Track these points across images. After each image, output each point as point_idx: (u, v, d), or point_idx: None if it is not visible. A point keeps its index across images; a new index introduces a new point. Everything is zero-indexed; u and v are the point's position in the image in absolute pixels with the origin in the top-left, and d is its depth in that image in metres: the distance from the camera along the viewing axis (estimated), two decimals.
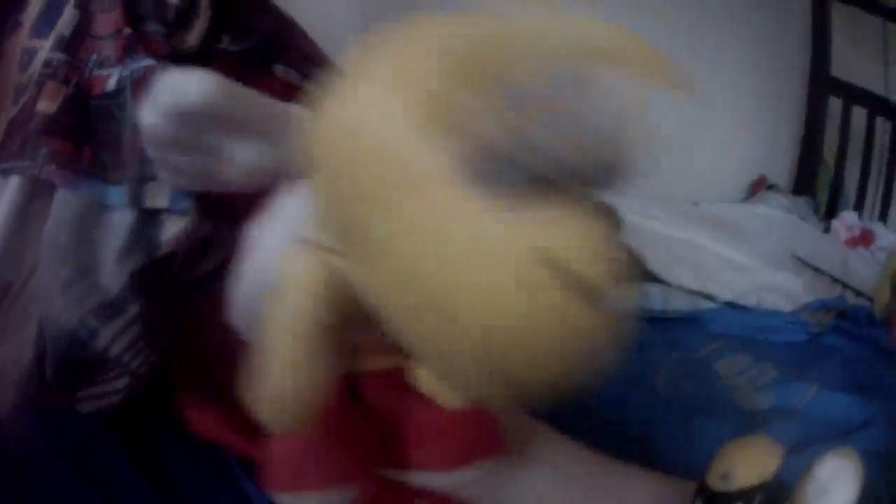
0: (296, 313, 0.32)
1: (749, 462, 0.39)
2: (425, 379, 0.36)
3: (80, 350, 0.54)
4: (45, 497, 0.50)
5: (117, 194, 0.59)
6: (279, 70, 0.72)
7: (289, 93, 0.71)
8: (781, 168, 1.28)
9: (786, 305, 0.93)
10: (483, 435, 0.37)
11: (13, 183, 0.56)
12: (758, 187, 1.21)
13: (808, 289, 0.99)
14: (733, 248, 0.96)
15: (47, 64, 0.59)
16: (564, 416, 0.64)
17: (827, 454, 0.36)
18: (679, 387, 0.71)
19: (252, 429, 0.44)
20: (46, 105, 0.57)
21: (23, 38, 0.61)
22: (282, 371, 0.32)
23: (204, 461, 0.54)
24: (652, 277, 0.82)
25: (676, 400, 0.70)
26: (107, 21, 0.62)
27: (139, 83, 0.60)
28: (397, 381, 0.38)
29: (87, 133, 0.59)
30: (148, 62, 0.61)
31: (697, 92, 0.94)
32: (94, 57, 0.61)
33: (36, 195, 0.57)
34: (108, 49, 0.62)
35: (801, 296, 0.97)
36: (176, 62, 0.62)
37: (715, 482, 0.37)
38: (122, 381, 0.56)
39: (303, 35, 0.78)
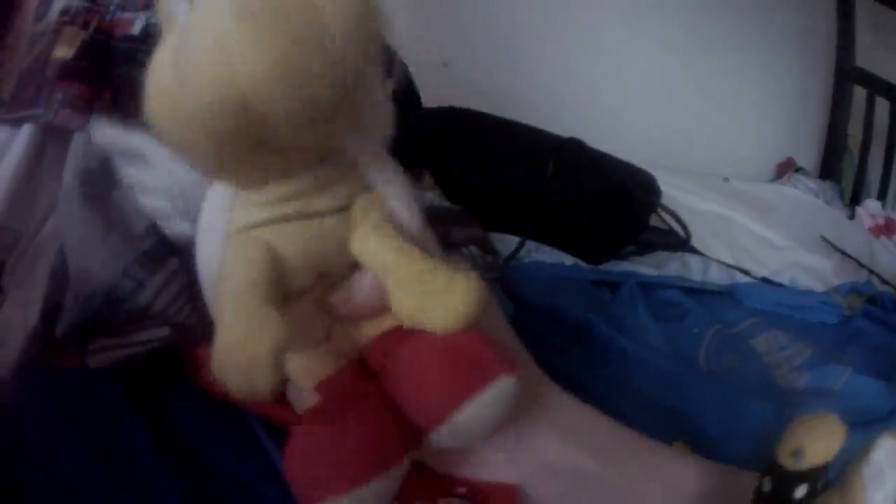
0: (237, 282, 0.31)
1: (819, 439, 0.37)
2: (405, 307, 0.33)
3: (122, 303, 0.52)
4: (51, 459, 0.47)
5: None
6: None
7: None
8: (808, 153, 1.28)
9: (817, 286, 0.92)
10: (483, 355, 0.34)
11: (24, 131, 0.54)
12: (785, 169, 1.19)
13: (837, 271, 0.97)
14: (765, 225, 0.94)
15: (65, 11, 0.57)
16: (601, 385, 0.62)
17: (882, 436, 0.35)
18: (720, 361, 0.69)
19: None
20: (63, 51, 0.55)
21: None
22: (231, 333, 0.30)
23: (220, 421, 0.49)
24: (691, 248, 0.79)
25: (717, 374, 0.67)
26: None
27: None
28: (396, 338, 0.35)
29: (106, 76, 0.57)
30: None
31: (729, 73, 0.93)
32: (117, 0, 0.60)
33: (49, 142, 0.55)
34: None
35: (831, 278, 0.95)
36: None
37: (786, 459, 0.35)
38: (161, 332, 0.53)
39: None
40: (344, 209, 0.33)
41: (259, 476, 0.46)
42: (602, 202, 0.71)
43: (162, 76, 0.29)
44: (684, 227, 0.81)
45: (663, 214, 0.81)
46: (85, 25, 0.57)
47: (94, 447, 0.46)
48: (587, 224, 0.71)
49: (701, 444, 0.61)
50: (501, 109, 0.83)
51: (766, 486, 0.30)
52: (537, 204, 0.69)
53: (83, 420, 0.46)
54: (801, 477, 0.35)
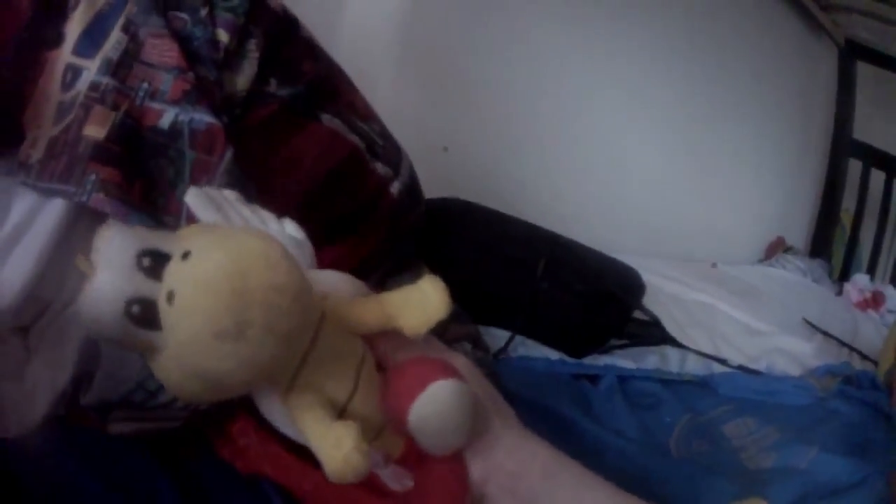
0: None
1: None
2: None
3: (132, 404, 0.56)
4: None
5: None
6: (326, 118, 0.71)
7: (334, 143, 0.74)
8: (799, 230, 1.33)
9: (795, 370, 0.99)
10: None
11: (56, 205, 0.54)
12: (775, 249, 1.26)
13: (817, 353, 1.04)
14: (748, 312, 1.01)
15: (94, 87, 0.57)
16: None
17: None
18: (689, 447, 0.77)
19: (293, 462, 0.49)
20: (95, 130, 0.56)
21: (66, 53, 0.58)
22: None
23: (241, 488, 0.54)
24: (670, 341, 0.87)
25: (687, 460, 0.75)
26: (159, 49, 0.61)
27: (199, 137, 0.61)
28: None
29: (138, 166, 0.57)
30: (210, 120, 0.61)
31: (726, 151, 1.00)
32: (145, 86, 0.60)
33: (81, 217, 0.56)
34: (163, 81, 0.60)
35: (810, 360, 1.02)
36: (226, 106, 0.64)
37: None
38: (177, 417, 0.58)
39: (349, 84, 0.76)
40: None
41: None
42: (589, 303, 0.79)
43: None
44: (663, 332, 0.89)
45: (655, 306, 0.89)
46: (115, 107, 0.57)
47: (119, 499, 0.49)
48: (573, 322, 0.79)
49: None
50: (500, 193, 0.90)
51: None
52: (527, 300, 0.77)
53: (109, 474, 0.49)
54: None
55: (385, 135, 0.79)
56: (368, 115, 0.78)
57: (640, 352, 0.85)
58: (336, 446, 0.37)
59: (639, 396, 0.80)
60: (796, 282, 1.12)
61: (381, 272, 0.78)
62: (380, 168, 0.75)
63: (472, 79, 1.12)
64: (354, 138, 0.74)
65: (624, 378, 0.79)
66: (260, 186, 0.66)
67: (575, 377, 0.78)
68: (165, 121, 0.60)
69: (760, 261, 1.21)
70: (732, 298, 0.99)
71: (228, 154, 0.63)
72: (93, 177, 0.54)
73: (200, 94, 0.61)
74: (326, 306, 0.38)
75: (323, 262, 0.66)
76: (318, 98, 0.71)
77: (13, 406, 0.55)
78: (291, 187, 0.68)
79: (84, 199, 0.53)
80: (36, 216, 0.55)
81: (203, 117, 0.61)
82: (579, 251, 0.83)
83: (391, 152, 0.78)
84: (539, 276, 0.79)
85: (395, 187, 0.76)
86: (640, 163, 1.22)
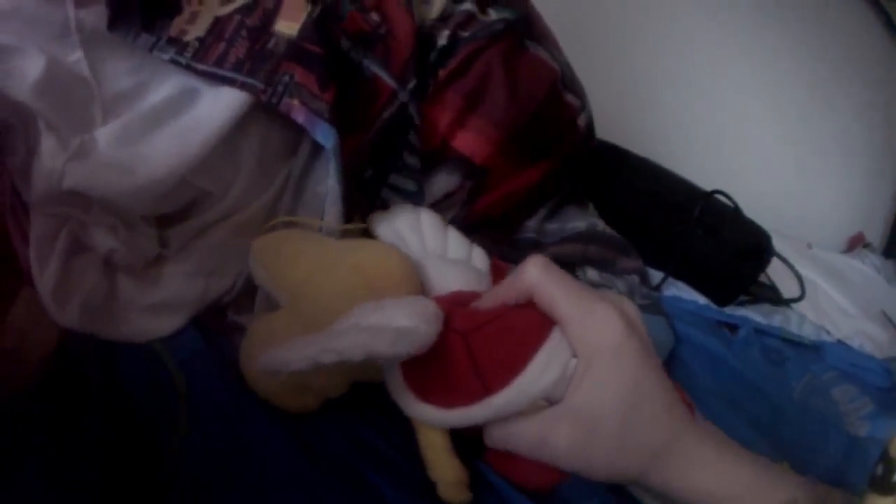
0: None
1: None
2: None
3: None
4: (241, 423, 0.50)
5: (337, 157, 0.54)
6: (531, 45, 0.72)
7: (542, 71, 0.75)
8: (876, 227, 1.39)
9: (876, 354, 1.04)
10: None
11: (231, 95, 0.51)
12: (856, 243, 1.31)
13: (892, 343, 1.10)
14: (840, 293, 1.06)
15: None
16: (721, 405, 0.75)
17: None
18: (808, 403, 0.81)
19: None
20: (287, 26, 0.53)
21: None
22: None
23: None
24: (785, 304, 0.92)
25: (806, 413, 0.80)
26: None
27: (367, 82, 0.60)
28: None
29: (333, 71, 0.54)
30: (377, 71, 0.60)
31: (821, 142, 1.05)
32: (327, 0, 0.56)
33: (256, 119, 0.54)
34: (343, 4, 0.59)
35: (887, 349, 1.08)
36: (420, 30, 0.65)
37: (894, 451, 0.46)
38: None
39: (537, 12, 0.77)
40: None
41: None
42: (738, 252, 0.83)
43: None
44: (802, 287, 0.94)
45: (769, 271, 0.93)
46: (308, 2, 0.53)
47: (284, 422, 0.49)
48: (721, 269, 0.83)
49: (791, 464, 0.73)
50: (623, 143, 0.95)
51: (879, 470, 0.35)
52: (682, 245, 0.81)
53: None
54: None
55: (570, 65, 0.81)
56: (555, 42, 0.80)
57: (766, 310, 0.89)
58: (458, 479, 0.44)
59: (768, 351, 0.85)
60: (874, 277, 1.17)
61: (554, 202, 0.80)
62: (571, 98, 0.77)
63: (604, 39, 1.17)
64: (556, 66, 0.75)
65: (757, 331, 0.84)
66: (463, 116, 0.67)
67: (717, 323, 0.82)
68: (343, 45, 0.58)
69: (841, 252, 1.25)
70: (828, 278, 1.03)
71: (387, 114, 0.62)
72: (286, 78, 0.51)
73: (376, 41, 0.60)
74: None
75: (514, 185, 0.68)
76: (524, 25, 0.72)
77: (131, 310, 0.53)
78: (500, 115, 0.69)
79: (274, 101, 0.51)
80: (196, 100, 0.52)
81: (372, 66, 0.61)
82: (723, 204, 0.88)
83: (577, 84, 0.80)
84: (694, 223, 0.83)
85: (581, 119, 0.78)
86: (749, 139, 1.27)
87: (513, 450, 0.43)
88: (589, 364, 0.41)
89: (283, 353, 0.38)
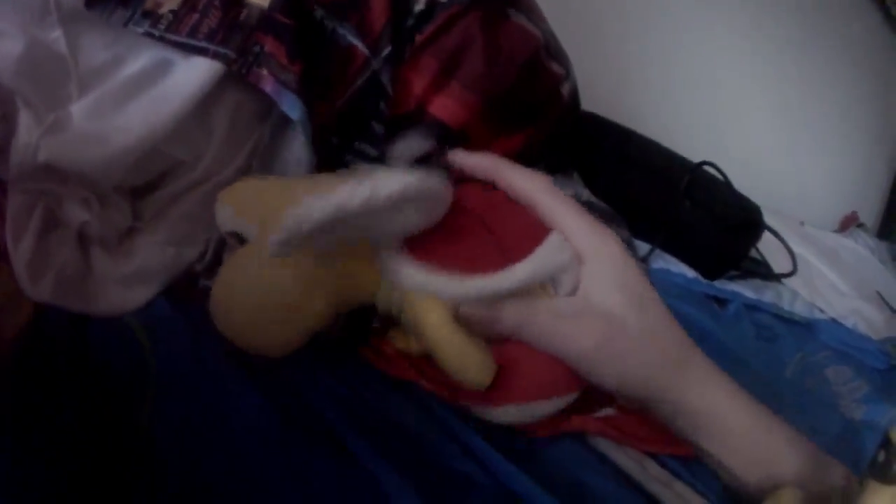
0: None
1: None
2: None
3: None
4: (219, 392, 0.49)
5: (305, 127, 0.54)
6: (512, 13, 0.69)
7: (524, 38, 0.73)
8: (870, 207, 1.38)
9: (871, 335, 1.02)
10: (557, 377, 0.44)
11: (202, 65, 0.51)
12: (849, 222, 1.29)
13: (887, 324, 1.08)
14: (833, 271, 1.04)
15: None
16: None
17: None
18: (801, 382, 0.79)
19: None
20: None
21: None
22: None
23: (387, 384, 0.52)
24: (778, 279, 0.89)
25: (800, 391, 0.77)
26: None
27: (339, 50, 0.58)
28: None
29: (300, 47, 0.54)
30: (353, 41, 0.58)
31: (815, 119, 1.03)
32: None
33: (228, 88, 0.53)
34: None
35: (882, 330, 1.05)
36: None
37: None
38: None
39: None
40: None
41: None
42: (727, 225, 0.81)
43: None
44: (794, 260, 0.91)
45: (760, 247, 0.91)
46: None
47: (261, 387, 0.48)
48: (711, 242, 0.81)
49: None
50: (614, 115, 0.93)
51: (881, 457, 0.34)
52: (668, 216, 0.78)
53: (251, 367, 0.48)
54: None
55: (554, 35, 0.79)
56: (540, 13, 0.78)
57: (757, 286, 0.87)
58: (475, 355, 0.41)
59: (758, 328, 0.82)
60: (867, 258, 1.15)
61: (538, 171, 0.77)
62: (555, 67, 0.75)
63: (596, 12, 1.15)
64: (539, 34, 0.73)
65: (748, 306, 0.81)
66: (441, 81, 0.65)
67: (706, 297, 0.80)
68: (317, 14, 0.58)
69: (834, 231, 1.23)
70: (821, 257, 1.01)
71: (359, 81, 0.60)
72: (257, 48, 0.51)
73: (351, 9, 0.59)
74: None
75: (495, 152, 0.66)
76: None
77: (105, 283, 0.53)
78: (478, 80, 0.66)
79: (244, 70, 0.51)
80: (169, 70, 0.52)
81: (346, 34, 0.59)
82: (711, 176, 0.85)
83: (562, 54, 0.78)
84: (681, 194, 0.80)
85: (565, 88, 0.76)
86: (744, 114, 1.25)
87: (525, 338, 0.42)
88: (598, 266, 0.41)
89: (296, 212, 0.35)
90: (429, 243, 0.42)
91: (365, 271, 0.43)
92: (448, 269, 0.41)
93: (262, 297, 0.42)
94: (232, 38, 0.51)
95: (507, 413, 0.44)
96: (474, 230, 0.43)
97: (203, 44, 0.51)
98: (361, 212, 0.36)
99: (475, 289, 0.40)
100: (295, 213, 0.35)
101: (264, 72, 0.51)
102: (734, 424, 0.41)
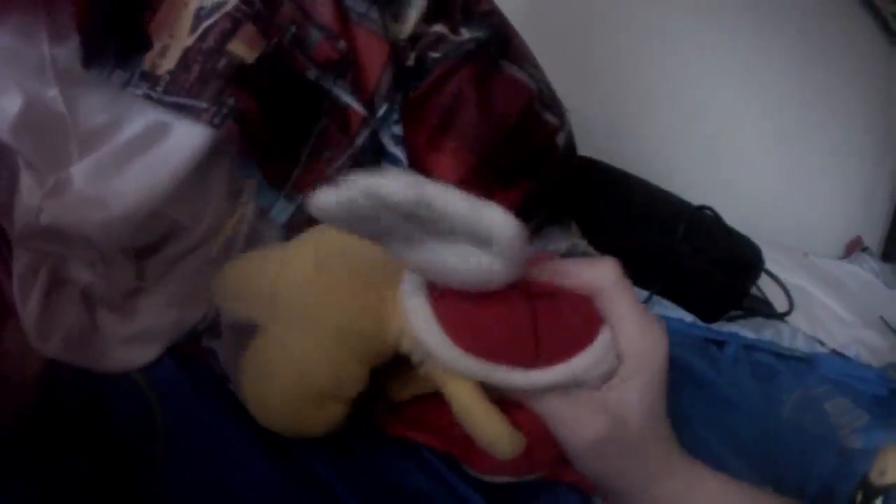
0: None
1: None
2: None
3: None
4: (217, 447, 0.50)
5: (282, 209, 0.57)
6: (505, 65, 0.69)
7: (517, 90, 0.74)
8: (874, 231, 1.38)
9: (874, 362, 1.02)
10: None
11: (200, 132, 0.51)
12: (853, 247, 1.29)
13: (891, 350, 1.08)
14: (836, 301, 1.05)
15: (248, 2, 0.52)
16: (702, 426, 0.74)
17: None
18: (800, 419, 0.80)
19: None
20: (244, 50, 0.52)
21: None
22: None
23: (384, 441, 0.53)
24: (778, 318, 0.90)
25: (797, 430, 0.78)
26: None
27: (336, 111, 0.59)
28: None
29: (275, 110, 0.54)
30: (349, 102, 0.59)
31: (816, 144, 1.03)
32: (293, 30, 0.56)
33: (223, 153, 0.54)
34: (310, 35, 0.57)
35: (886, 355, 1.06)
36: (394, 52, 0.63)
37: (874, 477, 0.46)
38: None
39: (515, 31, 0.74)
40: None
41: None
42: (726, 268, 0.82)
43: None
44: (790, 300, 0.92)
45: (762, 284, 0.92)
46: (266, 36, 0.53)
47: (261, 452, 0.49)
48: (709, 286, 0.82)
49: (780, 487, 0.72)
50: (612, 158, 0.94)
51: (859, 497, 0.37)
52: (667, 263, 0.80)
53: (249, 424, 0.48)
54: (882, 490, 0.46)
55: (549, 84, 0.80)
56: (534, 61, 0.79)
57: (757, 324, 0.88)
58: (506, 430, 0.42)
59: (757, 367, 0.84)
60: (872, 282, 1.15)
61: (535, 223, 0.79)
62: (549, 117, 0.76)
63: (593, 48, 1.16)
64: (533, 85, 0.74)
65: (746, 347, 0.82)
66: (435, 138, 0.66)
67: (704, 340, 0.81)
68: (311, 74, 0.58)
69: (840, 258, 1.24)
70: (825, 287, 1.02)
71: (359, 141, 0.61)
72: (231, 101, 0.51)
73: (346, 68, 0.58)
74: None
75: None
76: (498, 45, 0.69)
77: (111, 342, 0.54)
78: (472, 136, 0.67)
79: (217, 122, 0.50)
80: (167, 133, 0.52)
81: (342, 95, 0.59)
82: (710, 219, 0.86)
83: (556, 103, 0.79)
84: (679, 240, 0.81)
85: (560, 138, 0.77)
86: (743, 147, 1.26)
87: (528, 405, 0.43)
88: (634, 372, 0.42)
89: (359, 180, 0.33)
90: (460, 296, 0.40)
91: (390, 321, 0.42)
92: (471, 331, 0.41)
93: (300, 383, 0.42)
94: (206, 88, 0.51)
95: (501, 479, 0.46)
96: (511, 298, 0.41)
97: (183, 100, 0.50)
98: (419, 207, 0.33)
99: (505, 382, 0.42)
100: (357, 180, 0.33)
101: (236, 128, 0.51)
102: None
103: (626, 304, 0.43)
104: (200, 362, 0.56)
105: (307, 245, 0.46)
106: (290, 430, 0.44)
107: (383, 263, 0.43)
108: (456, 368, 0.41)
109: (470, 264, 0.36)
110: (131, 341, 0.55)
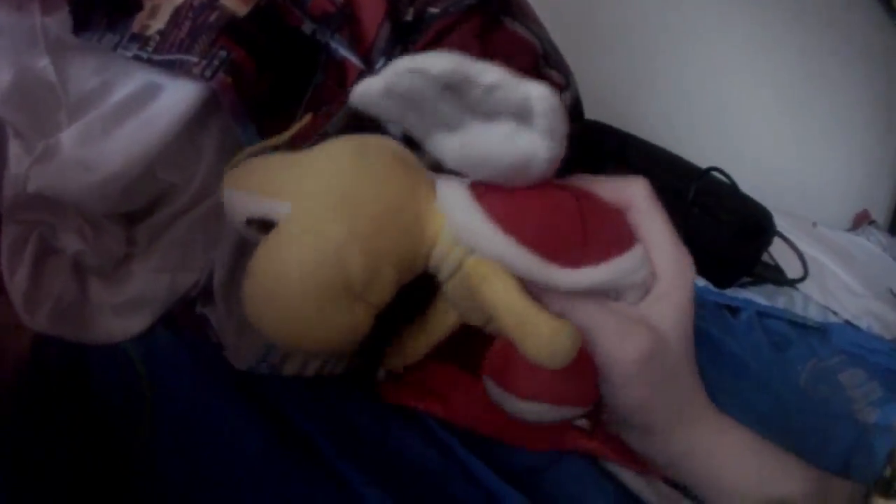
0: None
1: None
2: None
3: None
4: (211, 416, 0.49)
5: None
6: (507, 21, 0.67)
7: (524, 52, 0.72)
8: (881, 204, 1.36)
9: (885, 334, 1.00)
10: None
11: (190, 87, 0.49)
12: (861, 220, 1.27)
13: None
14: (846, 272, 1.03)
15: None
16: (721, 394, 0.71)
17: None
18: (816, 390, 0.78)
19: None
20: (235, 4, 0.50)
21: None
22: None
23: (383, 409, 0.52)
24: (789, 285, 0.88)
25: (814, 402, 0.76)
26: None
27: (332, 64, 0.56)
28: None
29: (269, 63, 0.52)
30: (346, 54, 0.57)
31: (824, 118, 1.01)
32: None
33: (216, 112, 0.51)
34: None
35: (895, 328, 1.04)
36: (392, 6, 0.59)
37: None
38: None
39: None
40: None
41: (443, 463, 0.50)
42: (737, 231, 0.79)
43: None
44: (805, 266, 0.90)
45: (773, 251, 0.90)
46: None
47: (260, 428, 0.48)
48: (720, 250, 0.79)
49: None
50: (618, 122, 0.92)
51: (886, 473, 0.34)
52: (677, 225, 0.77)
53: (244, 396, 0.47)
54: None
55: (553, 42, 0.77)
56: (537, 19, 0.76)
57: (768, 292, 0.86)
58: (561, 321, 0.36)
59: (770, 335, 0.81)
60: (880, 255, 1.13)
61: None
62: (554, 76, 0.73)
63: (599, 21, 1.13)
64: (537, 42, 0.71)
65: (760, 314, 0.80)
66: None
67: (718, 306, 0.79)
68: (307, 28, 0.56)
69: (847, 230, 1.22)
70: (834, 257, 1.00)
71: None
72: (223, 53, 0.48)
73: (343, 21, 0.57)
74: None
75: None
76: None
77: (102, 311, 0.52)
78: None
79: (208, 74, 0.48)
80: (157, 94, 0.50)
81: (339, 48, 0.57)
82: (719, 182, 0.84)
83: (562, 62, 0.77)
84: (689, 202, 0.79)
85: (566, 97, 0.74)
86: (750, 117, 1.24)
87: (572, 321, 0.38)
88: (671, 290, 0.41)
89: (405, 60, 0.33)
90: (503, 190, 0.38)
91: (427, 221, 0.39)
92: (517, 219, 0.38)
93: (328, 274, 0.36)
94: (196, 41, 0.49)
95: (530, 408, 0.41)
96: (562, 196, 0.40)
97: (173, 55, 0.49)
98: (466, 84, 0.33)
99: (547, 279, 0.38)
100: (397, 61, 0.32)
101: (230, 80, 0.48)
102: (728, 485, 0.41)
103: (661, 221, 0.42)
104: (193, 330, 0.54)
105: (340, 141, 0.42)
106: (305, 334, 0.37)
107: (419, 171, 0.40)
108: (500, 254, 0.37)
109: (512, 143, 0.34)
110: (123, 309, 0.53)
